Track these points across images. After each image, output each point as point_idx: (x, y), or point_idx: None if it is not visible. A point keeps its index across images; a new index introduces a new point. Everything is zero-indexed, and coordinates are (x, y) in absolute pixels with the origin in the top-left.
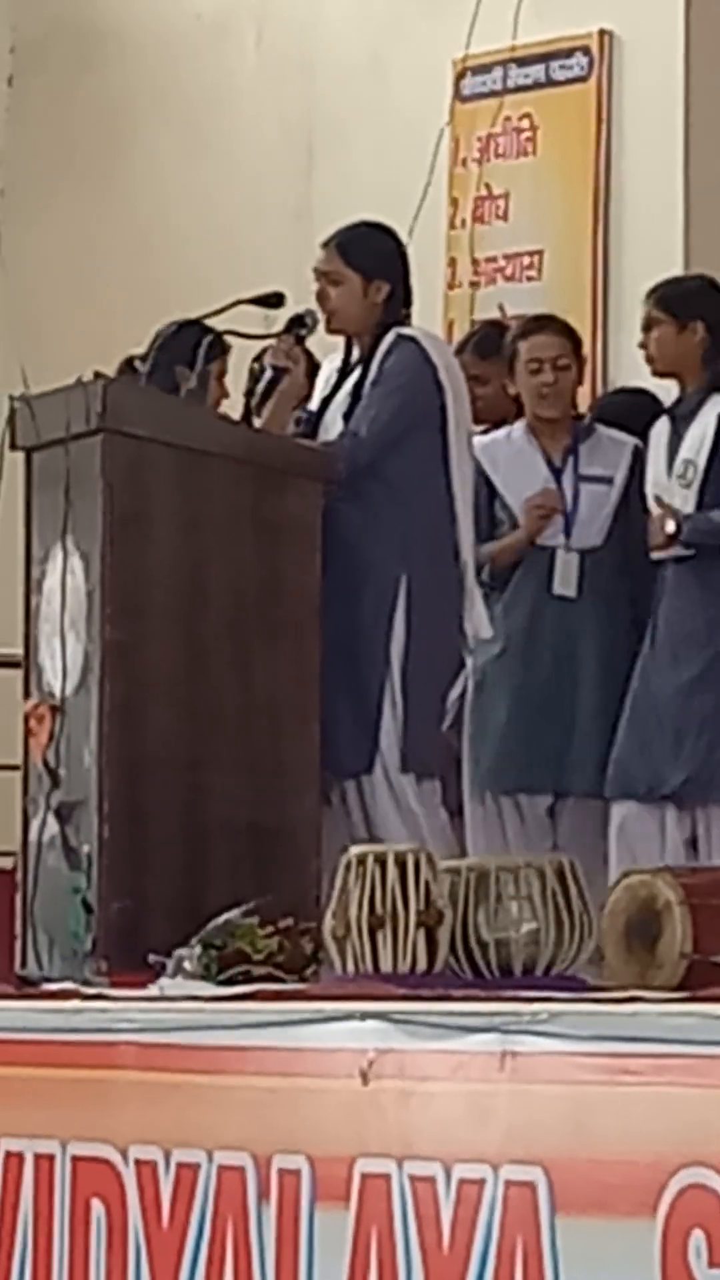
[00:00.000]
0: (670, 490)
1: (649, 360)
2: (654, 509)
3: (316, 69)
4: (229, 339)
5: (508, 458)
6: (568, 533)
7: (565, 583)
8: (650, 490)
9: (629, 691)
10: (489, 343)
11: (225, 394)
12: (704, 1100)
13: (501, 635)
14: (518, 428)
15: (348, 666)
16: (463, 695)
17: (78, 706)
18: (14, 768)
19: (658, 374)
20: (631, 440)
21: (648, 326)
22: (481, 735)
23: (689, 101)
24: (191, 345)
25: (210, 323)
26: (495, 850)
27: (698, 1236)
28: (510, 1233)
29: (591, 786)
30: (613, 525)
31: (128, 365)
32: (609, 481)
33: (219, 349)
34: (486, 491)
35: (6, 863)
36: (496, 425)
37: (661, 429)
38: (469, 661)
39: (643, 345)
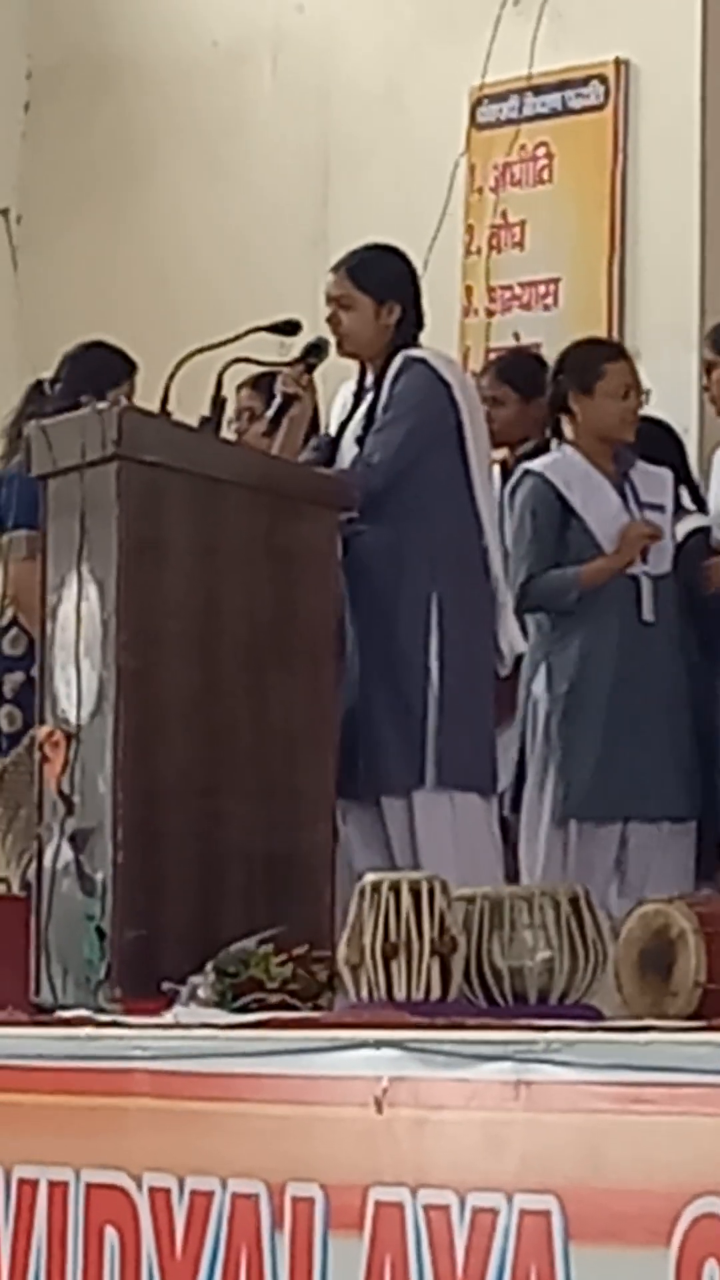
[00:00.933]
0: None
1: (712, 401)
2: None
3: (333, 96)
4: (245, 364)
5: (579, 480)
6: (644, 558)
7: (650, 609)
8: (712, 517)
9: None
10: (515, 368)
11: None
12: (718, 1130)
13: (590, 661)
14: (570, 450)
15: (389, 688)
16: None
17: (92, 733)
18: None
19: None
20: (667, 471)
21: (708, 369)
22: (574, 761)
23: (705, 130)
24: (98, 368)
25: (226, 349)
26: (576, 875)
27: (711, 1266)
28: (524, 1262)
29: (685, 812)
30: (675, 552)
31: (37, 388)
32: (662, 509)
33: (126, 372)
34: (561, 510)
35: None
36: (511, 447)
37: None
38: (502, 675)
39: (706, 388)
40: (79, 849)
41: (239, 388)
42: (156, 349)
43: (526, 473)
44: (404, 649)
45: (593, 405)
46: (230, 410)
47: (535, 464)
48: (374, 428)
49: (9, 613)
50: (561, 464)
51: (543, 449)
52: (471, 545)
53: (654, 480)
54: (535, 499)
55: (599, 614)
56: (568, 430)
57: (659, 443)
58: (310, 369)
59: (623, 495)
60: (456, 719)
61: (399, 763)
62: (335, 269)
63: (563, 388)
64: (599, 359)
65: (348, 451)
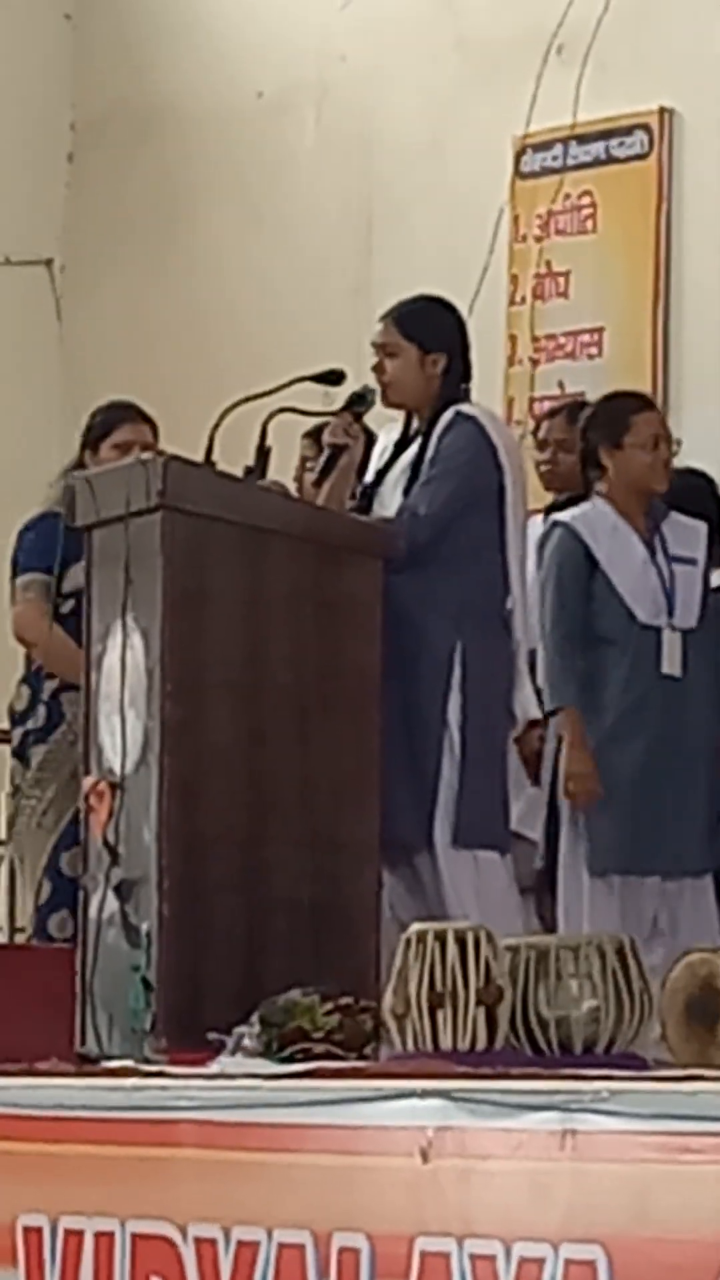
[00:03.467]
0: None
1: None
2: None
3: (376, 146)
4: (289, 414)
5: (606, 533)
6: (670, 613)
7: (672, 662)
8: None
9: None
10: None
11: None
12: None
13: (614, 715)
14: (600, 503)
15: (405, 740)
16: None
17: (137, 783)
18: None
19: None
20: (701, 524)
21: None
22: (602, 817)
23: None
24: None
25: (268, 400)
26: (606, 928)
27: None
28: None
29: (706, 866)
30: (703, 606)
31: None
32: (694, 563)
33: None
34: (586, 563)
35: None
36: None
37: None
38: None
39: None
40: (124, 899)
41: (303, 436)
42: (198, 398)
43: (555, 524)
44: (423, 700)
45: (622, 458)
46: (279, 458)
47: (565, 515)
48: (420, 480)
49: None
50: (591, 515)
51: (577, 499)
52: (496, 604)
53: (687, 532)
54: (562, 552)
55: (623, 670)
56: (601, 484)
57: (697, 494)
58: (357, 418)
59: (651, 549)
60: (476, 777)
61: (409, 821)
62: (383, 317)
63: (592, 443)
64: (625, 412)
65: (388, 498)
